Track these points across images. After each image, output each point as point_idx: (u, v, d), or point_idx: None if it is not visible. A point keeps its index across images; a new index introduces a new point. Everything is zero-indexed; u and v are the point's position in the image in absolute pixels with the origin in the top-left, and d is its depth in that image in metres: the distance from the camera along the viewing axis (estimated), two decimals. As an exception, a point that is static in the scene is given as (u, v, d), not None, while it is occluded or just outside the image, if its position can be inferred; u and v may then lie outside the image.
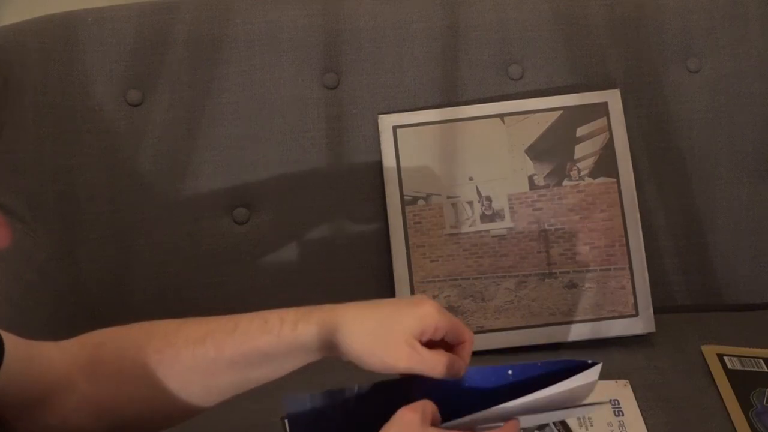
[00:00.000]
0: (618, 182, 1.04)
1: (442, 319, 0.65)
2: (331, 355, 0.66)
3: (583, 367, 0.64)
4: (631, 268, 1.03)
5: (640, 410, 0.91)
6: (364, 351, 0.65)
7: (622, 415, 0.91)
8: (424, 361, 0.64)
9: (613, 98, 1.06)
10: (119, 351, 0.67)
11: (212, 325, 0.67)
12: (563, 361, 0.67)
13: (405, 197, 1.04)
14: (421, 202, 1.04)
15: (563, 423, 0.88)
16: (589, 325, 1.01)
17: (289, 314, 0.66)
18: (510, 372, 0.68)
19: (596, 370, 0.64)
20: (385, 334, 0.65)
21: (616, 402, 0.92)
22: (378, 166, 1.06)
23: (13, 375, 0.60)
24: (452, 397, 0.66)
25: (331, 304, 0.67)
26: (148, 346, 0.66)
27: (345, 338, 0.65)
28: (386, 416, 0.60)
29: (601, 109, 1.06)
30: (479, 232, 1.03)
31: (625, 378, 0.95)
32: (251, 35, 1.05)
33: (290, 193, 1.06)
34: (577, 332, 1.01)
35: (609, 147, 1.05)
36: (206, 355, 0.65)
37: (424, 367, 0.64)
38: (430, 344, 0.65)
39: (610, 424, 0.89)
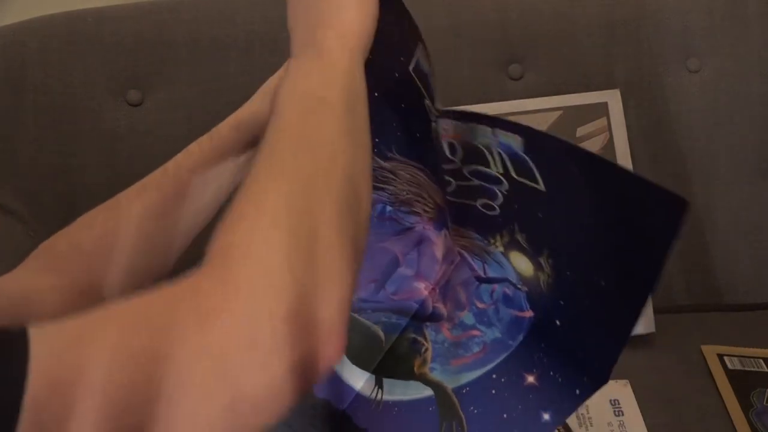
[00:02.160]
0: (618, 182, 1.04)
1: None
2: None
3: None
4: (631, 268, 1.03)
5: (640, 410, 0.91)
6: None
7: (622, 415, 0.91)
8: None
9: (613, 98, 1.06)
10: (71, 236, 0.68)
11: (146, 180, 0.69)
12: None
13: (405, 197, 1.04)
14: (421, 202, 1.04)
15: (564, 424, 0.88)
16: (589, 325, 1.01)
17: (203, 138, 0.69)
18: None
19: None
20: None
21: (616, 402, 0.92)
22: (378, 166, 1.06)
23: None
24: None
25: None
26: (98, 220, 0.67)
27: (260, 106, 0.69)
28: None
29: (601, 109, 1.06)
30: (479, 232, 1.03)
31: (625, 378, 0.95)
32: (251, 35, 1.05)
33: (290, 193, 1.06)
34: (577, 332, 1.01)
35: (609, 147, 1.05)
36: (153, 202, 0.68)
37: None
38: None
39: (610, 424, 0.89)
